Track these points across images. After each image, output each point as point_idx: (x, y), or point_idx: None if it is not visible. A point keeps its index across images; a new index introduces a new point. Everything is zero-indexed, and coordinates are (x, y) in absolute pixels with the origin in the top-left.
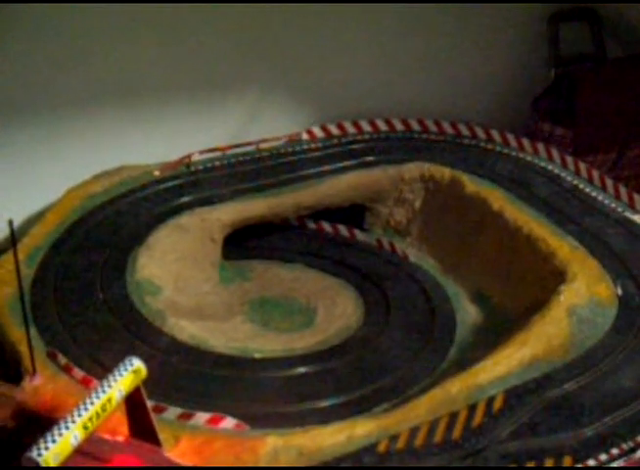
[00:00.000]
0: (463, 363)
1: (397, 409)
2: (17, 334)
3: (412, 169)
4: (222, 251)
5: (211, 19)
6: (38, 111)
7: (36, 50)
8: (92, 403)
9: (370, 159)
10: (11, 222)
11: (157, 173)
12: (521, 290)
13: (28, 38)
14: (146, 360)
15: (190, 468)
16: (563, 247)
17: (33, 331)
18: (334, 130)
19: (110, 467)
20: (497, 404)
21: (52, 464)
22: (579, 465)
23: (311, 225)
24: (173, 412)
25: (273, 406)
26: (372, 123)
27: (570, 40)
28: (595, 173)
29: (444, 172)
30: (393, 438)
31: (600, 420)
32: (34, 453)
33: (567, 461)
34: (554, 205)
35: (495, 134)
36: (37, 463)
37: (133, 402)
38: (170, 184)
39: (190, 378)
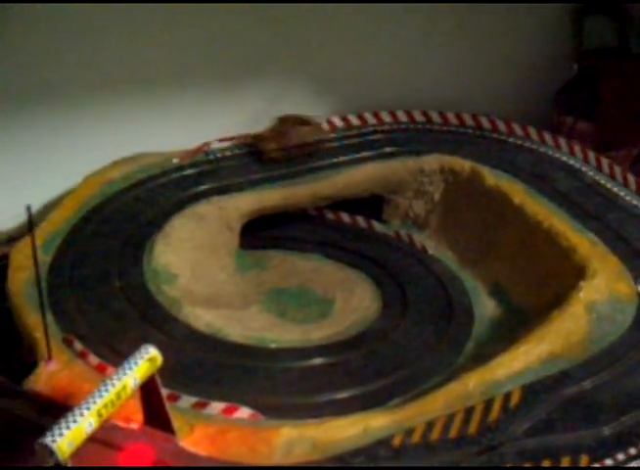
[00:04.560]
0: (480, 358)
1: (413, 403)
2: (33, 320)
3: (432, 161)
4: (240, 240)
5: (233, 5)
6: (57, 98)
7: (55, 40)
8: (107, 391)
9: (389, 150)
10: (29, 208)
11: (175, 161)
12: (540, 285)
13: (48, 29)
14: (161, 348)
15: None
16: (583, 243)
17: (50, 317)
18: (354, 121)
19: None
20: (514, 400)
21: (66, 451)
22: (597, 465)
23: (329, 216)
24: (188, 401)
25: (288, 397)
26: (392, 114)
27: (593, 34)
28: (617, 169)
29: (464, 165)
30: (409, 432)
31: (618, 419)
32: (48, 440)
33: (584, 460)
34: (575, 200)
35: (516, 127)
36: (51, 449)
37: (148, 390)
38: (189, 172)
39: (205, 367)
